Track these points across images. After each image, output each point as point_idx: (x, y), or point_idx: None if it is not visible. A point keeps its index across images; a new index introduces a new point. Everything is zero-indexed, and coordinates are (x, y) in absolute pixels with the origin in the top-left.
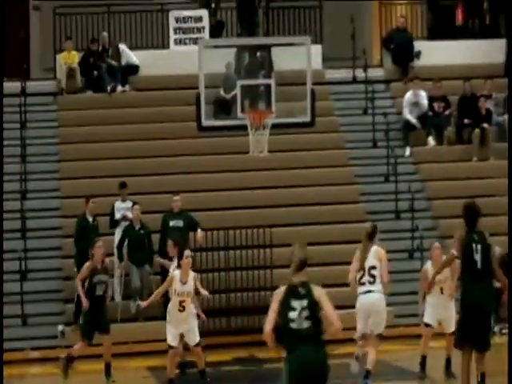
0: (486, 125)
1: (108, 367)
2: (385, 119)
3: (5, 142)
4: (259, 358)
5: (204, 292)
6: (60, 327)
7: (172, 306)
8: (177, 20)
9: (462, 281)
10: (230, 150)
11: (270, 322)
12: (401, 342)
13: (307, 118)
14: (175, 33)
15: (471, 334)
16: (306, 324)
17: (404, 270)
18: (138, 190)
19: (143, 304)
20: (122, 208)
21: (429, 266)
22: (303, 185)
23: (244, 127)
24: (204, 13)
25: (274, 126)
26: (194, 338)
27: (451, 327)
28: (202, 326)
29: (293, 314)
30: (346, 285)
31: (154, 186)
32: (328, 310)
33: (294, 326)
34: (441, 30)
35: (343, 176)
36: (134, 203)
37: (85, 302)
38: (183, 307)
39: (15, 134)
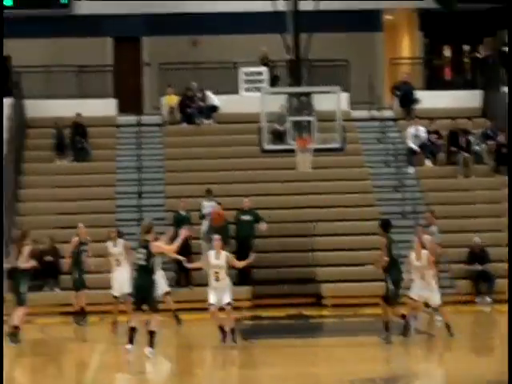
0: (466, 153)
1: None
2: (394, 146)
3: (125, 158)
4: (306, 314)
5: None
6: None
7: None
8: (245, 74)
9: None
10: (282, 167)
11: None
12: None
13: (338, 145)
14: (244, 83)
15: None
16: None
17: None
18: (219, 194)
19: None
20: (208, 206)
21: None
22: (334, 192)
23: (293, 151)
24: (264, 69)
25: (315, 150)
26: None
27: None
28: (258, 291)
29: None
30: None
31: (230, 191)
32: None
33: None
34: (434, 83)
35: (364, 187)
36: (218, 203)
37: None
38: (217, 278)
39: (132, 152)
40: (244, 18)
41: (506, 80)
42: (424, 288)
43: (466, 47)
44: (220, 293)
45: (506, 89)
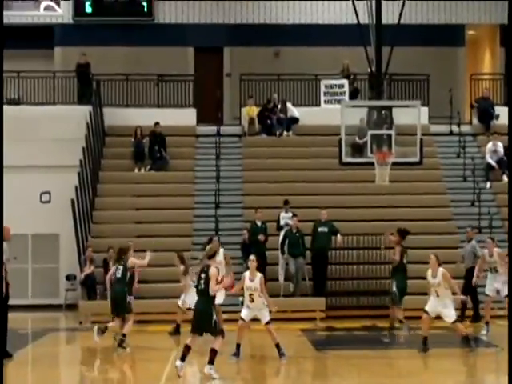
0: None
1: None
2: (472, 161)
3: (204, 168)
4: (379, 326)
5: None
6: (240, 298)
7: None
8: (326, 86)
9: None
10: (361, 179)
11: None
12: None
13: (417, 159)
14: (325, 95)
15: None
16: None
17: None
18: (296, 205)
19: None
20: (285, 217)
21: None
22: (412, 206)
23: (372, 163)
24: (345, 82)
25: (394, 164)
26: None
27: None
28: (332, 302)
29: None
30: None
31: (307, 202)
32: None
33: None
34: None
35: (441, 201)
36: (294, 214)
37: None
38: (252, 299)
39: (212, 162)
40: (326, 30)
41: None
42: (438, 304)
43: None
44: (255, 311)
45: None
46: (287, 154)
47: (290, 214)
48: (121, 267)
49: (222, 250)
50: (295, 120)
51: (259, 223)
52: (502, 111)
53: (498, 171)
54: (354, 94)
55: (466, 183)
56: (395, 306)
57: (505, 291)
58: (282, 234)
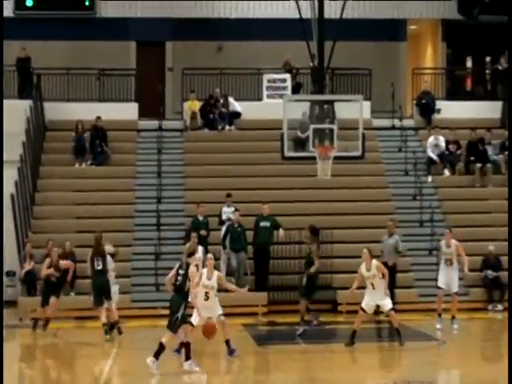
0: (483, 163)
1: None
2: (414, 155)
3: (145, 163)
4: (322, 320)
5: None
6: None
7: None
8: (268, 81)
9: None
10: (303, 174)
11: None
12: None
13: (359, 153)
14: (267, 89)
15: None
16: None
17: (425, 263)
18: (238, 200)
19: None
20: (227, 212)
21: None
22: (354, 200)
23: (314, 158)
24: (287, 76)
25: (335, 158)
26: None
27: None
28: (274, 297)
29: None
30: None
31: (249, 197)
32: None
33: None
34: (455, 93)
35: (383, 195)
36: (236, 209)
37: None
38: (207, 297)
39: (153, 157)
40: (269, 24)
41: None
42: (375, 297)
43: (488, 58)
44: (210, 310)
45: None
46: (229, 149)
47: (232, 209)
48: (100, 258)
49: (201, 248)
50: (237, 114)
51: (201, 218)
52: (443, 105)
53: (440, 165)
54: (296, 89)
55: (407, 177)
56: (302, 298)
57: (456, 286)
58: (223, 228)
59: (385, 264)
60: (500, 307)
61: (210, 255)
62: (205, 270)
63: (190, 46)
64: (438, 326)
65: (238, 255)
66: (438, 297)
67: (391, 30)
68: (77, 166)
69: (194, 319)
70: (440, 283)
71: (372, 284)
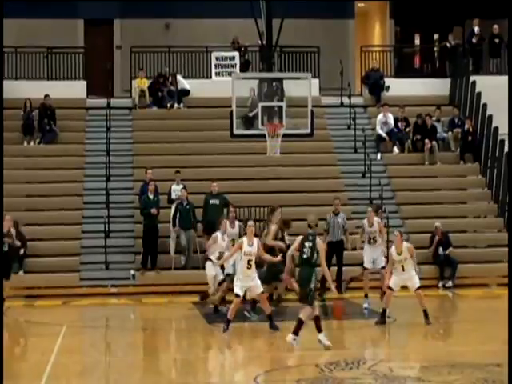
0: (432, 141)
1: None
2: (363, 133)
3: (94, 141)
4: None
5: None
6: (131, 272)
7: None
8: (217, 58)
9: None
10: (252, 152)
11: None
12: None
13: (308, 131)
14: (216, 67)
15: None
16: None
17: None
18: (187, 178)
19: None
20: (176, 190)
21: (392, 250)
22: (303, 178)
23: (263, 136)
24: (236, 54)
25: (284, 136)
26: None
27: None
28: None
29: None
30: None
31: (199, 175)
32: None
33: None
34: (404, 70)
35: (332, 172)
36: (184, 187)
37: None
38: (250, 265)
39: (102, 135)
40: (217, 2)
41: (473, 69)
42: (404, 277)
43: (436, 36)
44: (251, 279)
45: (473, 78)
46: (178, 127)
47: (181, 186)
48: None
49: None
50: (186, 92)
51: (151, 196)
52: (391, 82)
53: (389, 143)
54: (244, 66)
55: (356, 155)
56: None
57: (382, 262)
58: (173, 206)
59: (332, 242)
60: (450, 284)
61: (250, 222)
62: (245, 238)
63: (138, 23)
64: (365, 306)
65: (187, 233)
66: (365, 276)
67: (339, 8)
68: (25, 144)
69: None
70: (365, 263)
71: (402, 266)
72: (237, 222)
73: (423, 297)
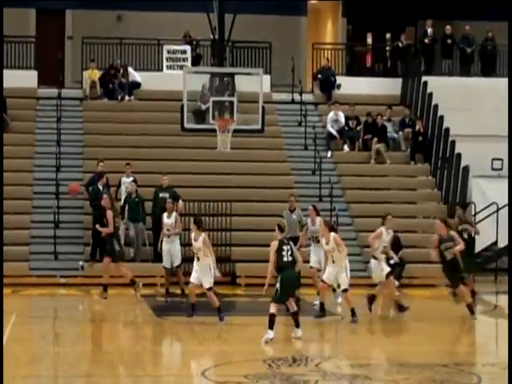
0: (380, 140)
1: None
2: (313, 130)
3: (44, 131)
4: (219, 293)
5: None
6: (80, 263)
7: None
8: (168, 51)
9: None
10: (203, 146)
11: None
12: None
13: (258, 126)
14: (167, 61)
15: None
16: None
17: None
18: (137, 170)
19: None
20: (126, 182)
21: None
22: (253, 173)
23: (214, 130)
24: (188, 48)
25: (235, 131)
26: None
27: None
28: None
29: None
30: None
31: (148, 167)
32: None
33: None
34: (355, 69)
35: (282, 169)
36: (134, 179)
37: None
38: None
39: (53, 125)
40: None
41: (425, 69)
42: (334, 271)
43: (388, 35)
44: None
45: (425, 78)
46: (129, 119)
47: (131, 179)
48: None
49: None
50: (137, 85)
51: (101, 187)
52: (343, 81)
53: (339, 141)
54: (196, 60)
55: (307, 152)
56: None
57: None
58: (122, 199)
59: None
60: (397, 284)
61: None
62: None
63: (90, 14)
64: (316, 303)
65: (136, 225)
66: (312, 275)
67: (292, 5)
68: None
69: None
70: (312, 263)
71: (332, 257)
72: (174, 214)
73: (350, 299)
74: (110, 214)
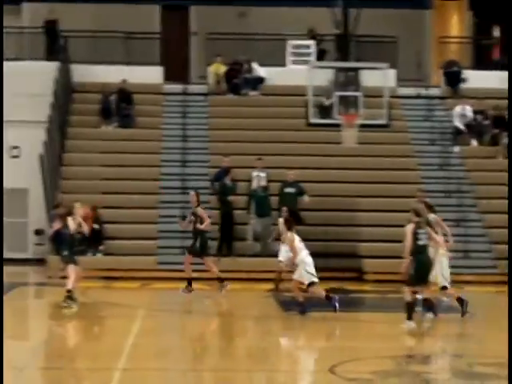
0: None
1: None
2: (440, 125)
3: (170, 127)
4: (347, 289)
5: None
6: None
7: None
8: (293, 47)
9: None
10: (328, 141)
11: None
12: None
13: (384, 121)
14: (292, 56)
15: None
16: None
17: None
18: (263, 165)
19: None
20: (257, 176)
21: None
22: (380, 168)
23: (338, 125)
24: (312, 43)
25: (361, 126)
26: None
27: None
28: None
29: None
30: None
31: (274, 163)
32: None
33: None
34: (482, 62)
35: (409, 164)
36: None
37: None
38: None
39: (178, 121)
40: None
41: None
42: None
43: None
44: None
45: None
46: (253, 114)
47: (265, 174)
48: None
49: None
50: (261, 80)
51: (228, 183)
52: (469, 75)
53: (467, 135)
54: (320, 55)
55: (433, 147)
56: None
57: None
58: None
59: None
60: None
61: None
62: None
63: (213, 10)
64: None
65: (262, 220)
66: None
67: None
68: (103, 128)
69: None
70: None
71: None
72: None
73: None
74: (201, 210)
